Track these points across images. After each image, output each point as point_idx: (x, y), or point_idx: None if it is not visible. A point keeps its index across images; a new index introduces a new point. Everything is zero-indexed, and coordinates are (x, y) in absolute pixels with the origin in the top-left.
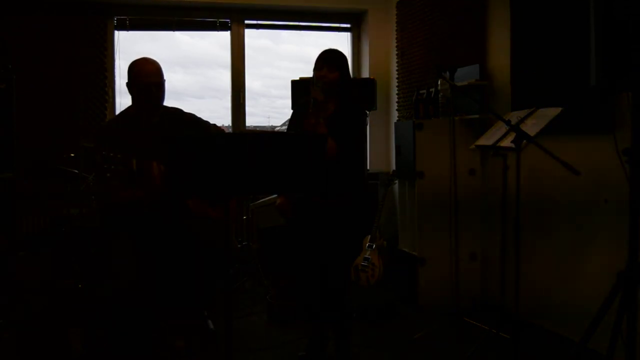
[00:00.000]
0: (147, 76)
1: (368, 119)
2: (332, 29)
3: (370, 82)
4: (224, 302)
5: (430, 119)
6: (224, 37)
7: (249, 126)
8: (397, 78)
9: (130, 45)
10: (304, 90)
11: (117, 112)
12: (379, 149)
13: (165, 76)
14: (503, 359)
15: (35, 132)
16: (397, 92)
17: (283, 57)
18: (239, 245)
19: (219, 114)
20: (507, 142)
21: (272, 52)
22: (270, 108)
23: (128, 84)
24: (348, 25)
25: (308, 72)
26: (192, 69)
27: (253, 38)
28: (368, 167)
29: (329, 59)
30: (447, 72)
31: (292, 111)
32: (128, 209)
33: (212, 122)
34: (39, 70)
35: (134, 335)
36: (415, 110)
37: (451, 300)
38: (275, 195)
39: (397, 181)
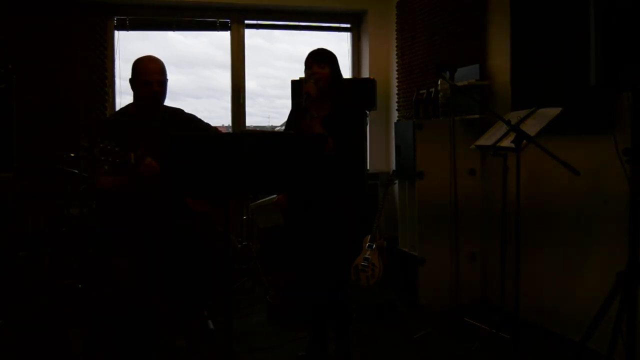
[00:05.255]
0: (150, 74)
1: (368, 119)
2: (332, 29)
3: (370, 82)
4: (224, 302)
5: (430, 119)
6: (218, 37)
7: (248, 126)
8: (397, 78)
9: (125, 45)
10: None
11: None
12: (379, 149)
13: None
14: (503, 359)
15: (35, 132)
16: (397, 92)
17: (278, 57)
18: (239, 245)
19: (217, 114)
20: (507, 142)
21: (266, 52)
22: (268, 108)
23: (131, 81)
24: (348, 25)
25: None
26: (187, 69)
27: (247, 37)
28: (368, 167)
29: (317, 56)
30: (447, 72)
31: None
32: (127, 205)
33: (210, 122)
34: (39, 70)
35: (134, 335)
36: (415, 110)
37: (451, 300)
38: (276, 195)
39: (397, 181)
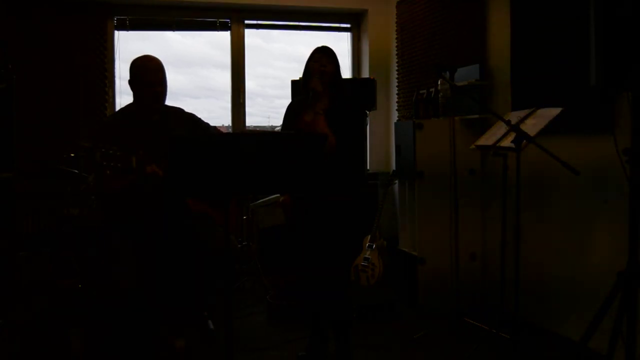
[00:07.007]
0: (149, 74)
1: (368, 119)
2: (332, 29)
3: (370, 82)
4: (224, 302)
5: (430, 119)
6: (216, 37)
7: (248, 126)
8: (397, 78)
9: (125, 45)
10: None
11: None
12: (379, 149)
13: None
14: (503, 359)
15: (35, 132)
16: (397, 92)
17: (276, 57)
18: (239, 245)
19: (216, 114)
20: (507, 142)
21: (264, 52)
22: (267, 108)
23: (130, 82)
24: (348, 25)
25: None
26: (185, 69)
27: (245, 37)
28: (368, 167)
29: (327, 52)
30: (447, 72)
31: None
32: (127, 205)
33: (210, 123)
34: (39, 70)
35: (134, 336)
36: (415, 110)
37: (451, 300)
38: (276, 195)
39: (397, 181)
